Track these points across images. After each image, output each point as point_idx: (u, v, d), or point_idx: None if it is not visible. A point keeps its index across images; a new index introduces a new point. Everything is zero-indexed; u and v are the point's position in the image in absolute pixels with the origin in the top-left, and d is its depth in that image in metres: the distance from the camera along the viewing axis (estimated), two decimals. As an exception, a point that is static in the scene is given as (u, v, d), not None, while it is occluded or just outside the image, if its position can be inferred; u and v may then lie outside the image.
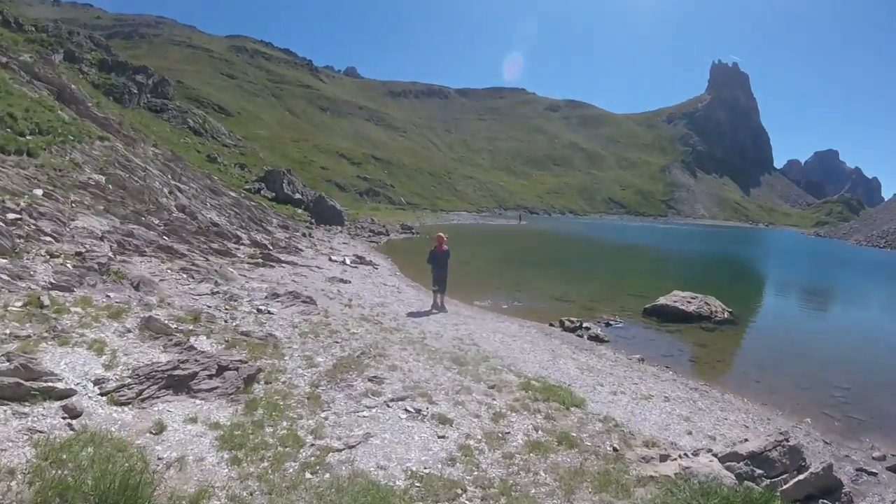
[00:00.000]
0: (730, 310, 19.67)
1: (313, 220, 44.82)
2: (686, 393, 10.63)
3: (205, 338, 8.73)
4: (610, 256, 44.03)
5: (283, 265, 20.18)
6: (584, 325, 15.59)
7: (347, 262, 24.21)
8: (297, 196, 51.08)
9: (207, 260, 17.60)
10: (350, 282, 18.55)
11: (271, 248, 24.12)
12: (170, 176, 29.81)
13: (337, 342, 9.51)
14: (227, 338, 8.83)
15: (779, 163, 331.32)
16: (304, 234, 34.20)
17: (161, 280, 12.23)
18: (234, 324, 9.97)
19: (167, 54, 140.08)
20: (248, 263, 19.08)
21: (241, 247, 22.50)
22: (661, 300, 19.43)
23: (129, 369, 6.80)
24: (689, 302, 19.48)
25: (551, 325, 15.66)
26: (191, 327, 9.13)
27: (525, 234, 64.01)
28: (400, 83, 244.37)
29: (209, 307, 10.89)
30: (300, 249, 26.33)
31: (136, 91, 70.09)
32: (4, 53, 30.50)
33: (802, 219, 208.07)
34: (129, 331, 8.29)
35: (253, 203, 40.14)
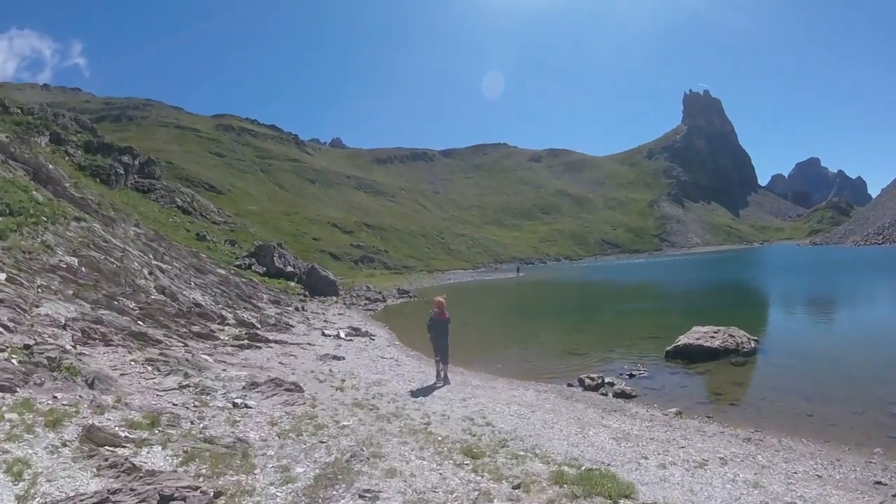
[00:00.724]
0: (755, 338, 18.30)
1: (307, 293, 43.39)
2: (741, 448, 9.08)
3: (159, 448, 7.08)
4: (614, 298, 42.33)
5: (271, 345, 18.57)
6: (606, 380, 13.95)
7: (342, 335, 22.61)
8: (290, 269, 49.71)
9: (186, 345, 16.02)
10: (344, 358, 16.95)
11: (259, 326, 22.54)
12: (151, 256, 28.42)
13: (323, 442, 7.81)
14: (186, 447, 7.17)
15: (763, 180, 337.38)
16: (296, 308, 32.66)
17: (122, 375, 10.61)
18: (200, 425, 8.35)
19: (156, 135, 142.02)
20: (232, 346, 17.47)
21: (227, 327, 20.92)
22: (683, 339, 17.83)
23: (45, 505, 5.18)
24: (713, 337, 17.90)
25: (570, 385, 14.00)
26: (145, 435, 7.48)
27: (524, 286, 62.50)
28: (385, 150, 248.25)
29: (174, 405, 9.27)
30: (291, 325, 24.75)
31: (122, 172, 69.27)
32: (-22, 136, 29.60)
33: (795, 231, 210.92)
34: (66, 444, 6.63)
35: (243, 279, 38.75)
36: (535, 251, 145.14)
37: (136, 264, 24.62)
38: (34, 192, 24.93)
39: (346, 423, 8.94)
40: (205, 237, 57.67)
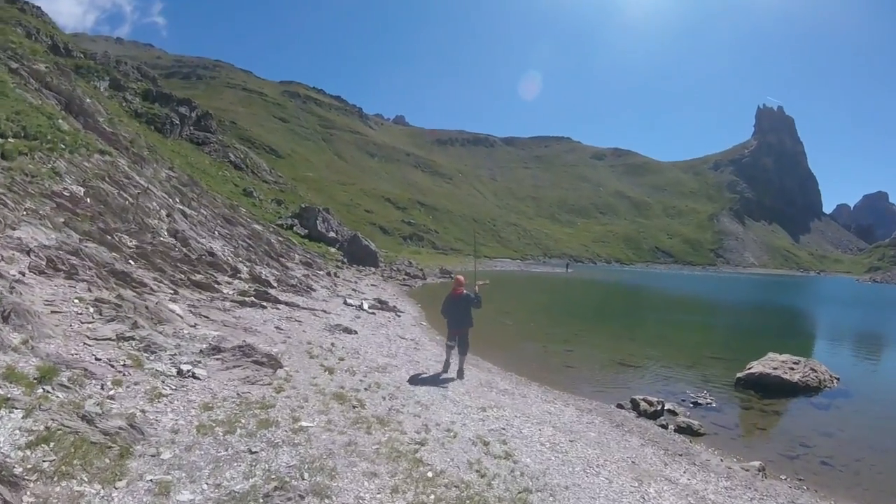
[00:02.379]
0: (837, 376, 15.37)
1: (345, 260, 41.44)
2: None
3: (18, 415, 4.68)
4: (670, 308, 38.60)
5: (279, 306, 16.25)
6: (667, 406, 11.07)
7: (365, 306, 20.18)
8: (332, 234, 47.93)
9: (176, 293, 13.93)
10: (356, 332, 14.43)
11: (275, 285, 20.33)
12: (178, 199, 26.63)
13: (253, 452, 5.26)
14: (52, 422, 4.74)
15: (827, 207, 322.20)
16: (328, 274, 30.49)
17: (53, 312, 8.34)
18: (106, 393, 5.96)
19: (222, 95, 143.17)
20: (232, 301, 15.22)
21: (236, 281, 18.72)
22: (757, 367, 14.73)
23: None
24: (792, 368, 14.80)
25: (620, 406, 11.07)
26: (17, 392, 5.12)
27: (573, 283, 58.82)
28: (447, 132, 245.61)
29: (95, 360, 6.92)
30: (312, 289, 22.47)
31: (177, 122, 69.20)
32: (18, 60, 28.26)
33: (854, 265, 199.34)
34: None
35: (280, 238, 37.03)
36: (587, 250, 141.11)
37: (155, 204, 22.75)
38: (60, 121, 23.47)
39: (305, 425, 6.35)
40: (251, 193, 56.75)
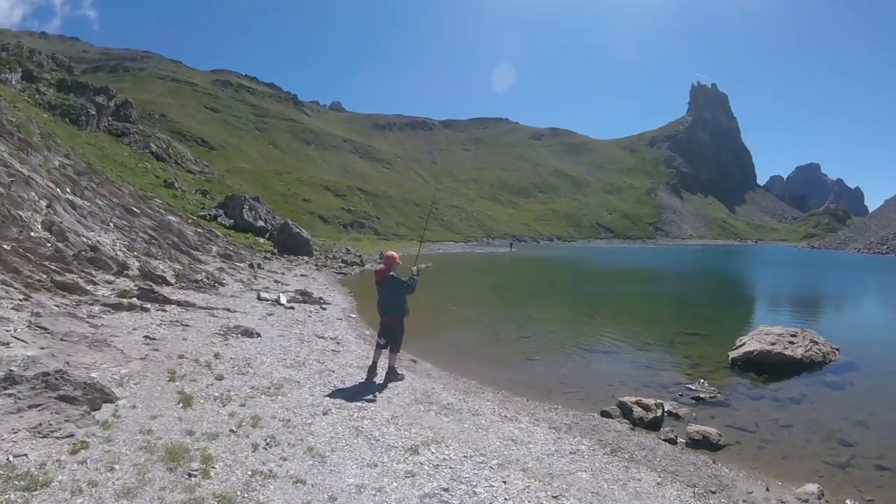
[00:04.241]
0: (836, 346, 13.42)
1: (276, 250, 37.93)
2: None
3: None
4: (622, 280, 36.28)
5: (168, 307, 13.00)
6: (665, 407, 8.46)
7: (283, 300, 16.99)
8: (260, 223, 44.07)
9: (28, 297, 10.61)
10: (259, 335, 11.28)
11: (173, 281, 16.92)
12: (68, 189, 22.71)
13: None
14: None
15: (761, 179, 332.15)
16: (251, 266, 27.06)
17: None
18: None
19: (151, 88, 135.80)
20: (104, 305, 11.91)
21: (121, 279, 15.28)
22: (752, 343, 12.44)
23: None
24: (792, 342, 12.70)
25: (606, 414, 8.28)
26: None
27: (520, 262, 56.27)
28: (385, 116, 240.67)
29: None
30: (222, 284, 19.14)
31: (94, 113, 63.50)
32: None
33: (790, 233, 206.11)
34: None
35: (200, 230, 33.30)
36: (529, 229, 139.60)
37: (34, 194, 18.89)
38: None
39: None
40: (172, 184, 52.17)
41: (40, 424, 5.07)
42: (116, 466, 4.47)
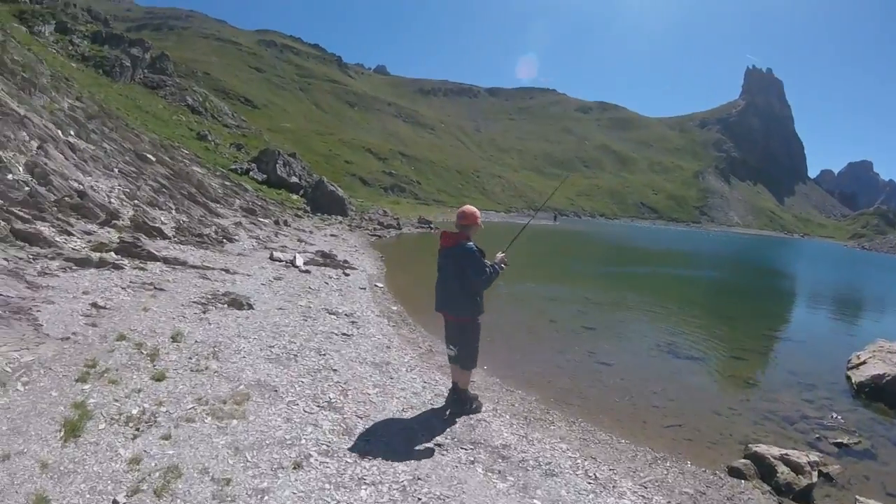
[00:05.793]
0: None
1: (308, 208, 35.60)
2: None
3: None
4: (683, 263, 33.00)
5: (150, 264, 10.46)
6: (810, 458, 5.45)
7: (299, 262, 14.37)
8: (294, 180, 41.64)
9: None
10: (251, 307, 8.65)
11: (172, 234, 14.45)
12: (72, 132, 20.39)
13: None
14: None
15: (811, 172, 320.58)
16: (276, 222, 24.69)
17: None
18: None
19: (195, 46, 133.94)
20: (68, 260, 9.42)
21: (106, 229, 12.81)
22: (878, 365, 9.32)
23: None
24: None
25: (735, 473, 5.23)
26: None
27: (564, 236, 52.97)
28: (430, 81, 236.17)
29: None
30: (232, 240, 16.62)
31: (129, 65, 61.94)
32: None
33: (837, 230, 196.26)
34: None
35: (228, 182, 31.15)
36: (571, 203, 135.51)
37: (25, 135, 16.52)
38: None
39: None
40: (205, 137, 50.16)
41: None
42: None
